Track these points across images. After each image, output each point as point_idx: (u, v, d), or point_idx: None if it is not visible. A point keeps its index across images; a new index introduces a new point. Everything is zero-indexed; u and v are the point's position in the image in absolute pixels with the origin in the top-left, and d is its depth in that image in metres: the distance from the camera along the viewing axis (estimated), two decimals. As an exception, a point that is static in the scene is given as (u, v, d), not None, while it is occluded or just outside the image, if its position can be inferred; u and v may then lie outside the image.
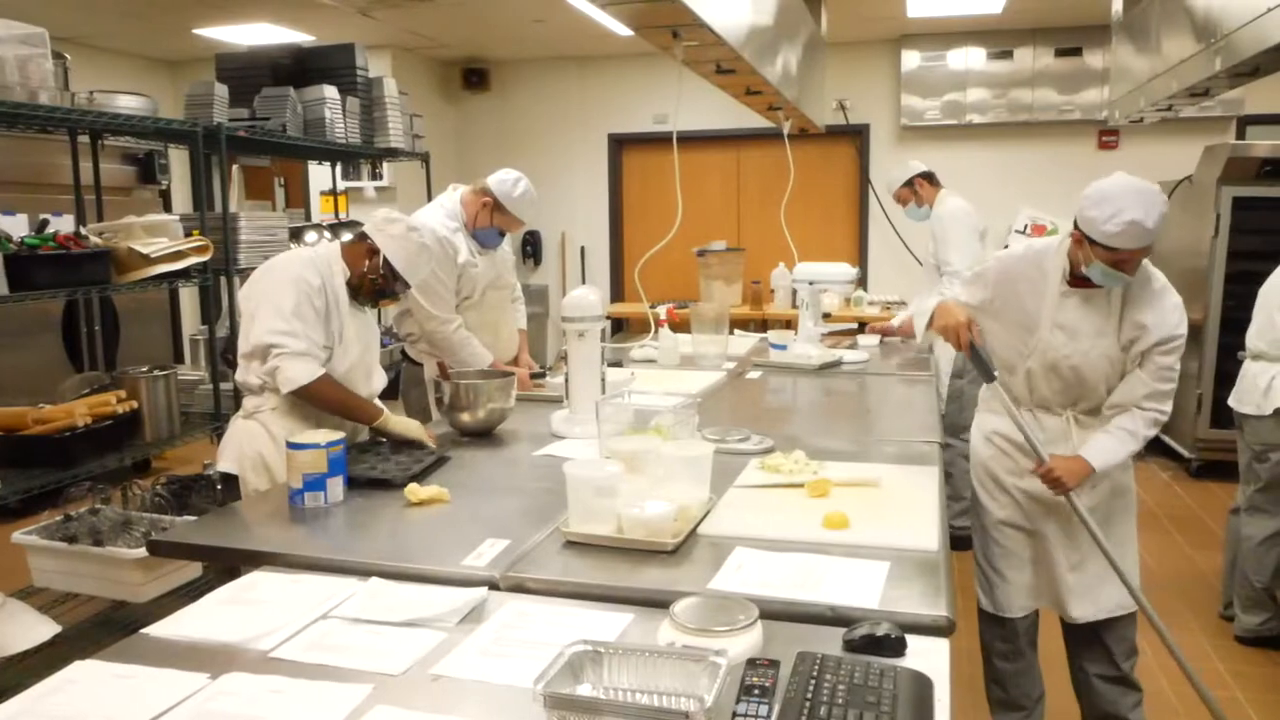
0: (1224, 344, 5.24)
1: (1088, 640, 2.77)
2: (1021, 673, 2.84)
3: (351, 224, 6.06)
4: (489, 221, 3.51)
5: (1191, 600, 4.07)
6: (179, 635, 1.58)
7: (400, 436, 2.65)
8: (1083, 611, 2.69)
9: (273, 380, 2.59)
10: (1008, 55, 6.92)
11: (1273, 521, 3.59)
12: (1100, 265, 2.40)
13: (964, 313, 2.66)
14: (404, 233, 2.76)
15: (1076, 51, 6.80)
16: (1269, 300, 3.62)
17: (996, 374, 2.65)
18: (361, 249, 2.75)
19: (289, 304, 2.57)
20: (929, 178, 4.75)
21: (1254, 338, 3.66)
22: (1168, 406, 2.56)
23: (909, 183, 4.73)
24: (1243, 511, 3.73)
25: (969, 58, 6.99)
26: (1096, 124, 6.82)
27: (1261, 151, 5.62)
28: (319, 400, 2.62)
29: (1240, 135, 6.74)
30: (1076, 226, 2.43)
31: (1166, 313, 2.51)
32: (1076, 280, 2.53)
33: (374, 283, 2.75)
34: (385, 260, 2.72)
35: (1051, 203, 6.90)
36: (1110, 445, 2.54)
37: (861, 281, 7.36)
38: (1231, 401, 3.72)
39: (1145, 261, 2.50)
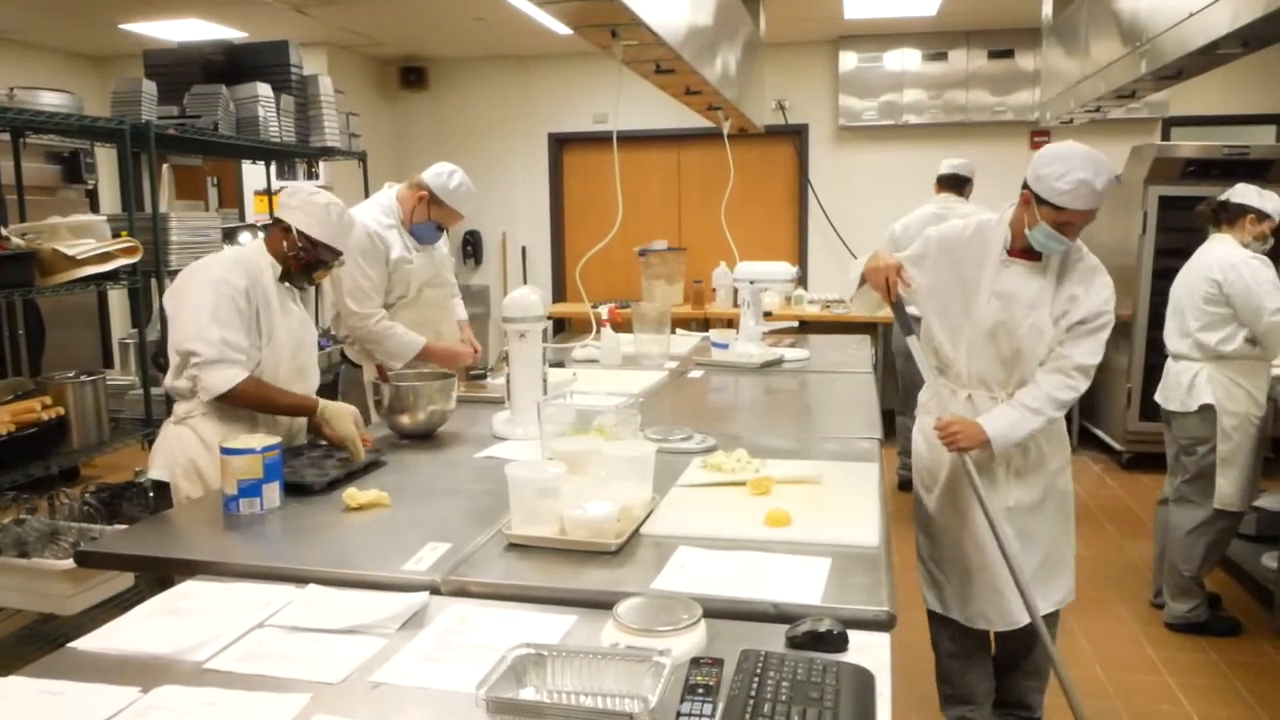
0: (1152, 339, 5.39)
1: (1025, 651, 2.84)
2: (968, 670, 2.88)
3: (286, 224, 5.95)
4: (426, 216, 3.48)
5: (1123, 589, 4.18)
6: (109, 648, 1.54)
7: (339, 430, 2.56)
8: (1025, 613, 2.64)
9: (196, 386, 2.55)
10: (942, 57, 7.04)
11: (1199, 511, 3.70)
12: (1045, 227, 2.48)
13: (894, 260, 2.67)
14: (307, 199, 2.69)
15: (1009, 54, 6.94)
16: (1180, 302, 3.74)
17: (917, 330, 2.70)
18: (277, 233, 2.70)
19: (206, 309, 2.52)
20: (950, 182, 5.43)
21: (1173, 338, 3.77)
22: (1081, 384, 2.59)
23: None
24: (1171, 502, 3.85)
25: (905, 59, 7.09)
26: (1028, 125, 6.96)
27: (1186, 152, 5.79)
28: (246, 404, 2.57)
29: (1165, 136, 6.93)
30: (1026, 186, 2.50)
31: (1096, 290, 2.60)
32: (1017, 251, 2.60)
33: (299, 260, 2.69)
34: (299, 232, 2.67)
35: (987, 202, 7.01)
36: (1010, 416, 2.56)
37: (802, 280, 7.43)
38: (1158, 398, 3.83)
39: (1081, 243, 2.59)
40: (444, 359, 3.54)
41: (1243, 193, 3.67)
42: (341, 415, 2.59)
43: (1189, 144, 5.91)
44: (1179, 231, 5.38)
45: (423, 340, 3.46)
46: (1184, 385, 3.64)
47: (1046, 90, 5.48)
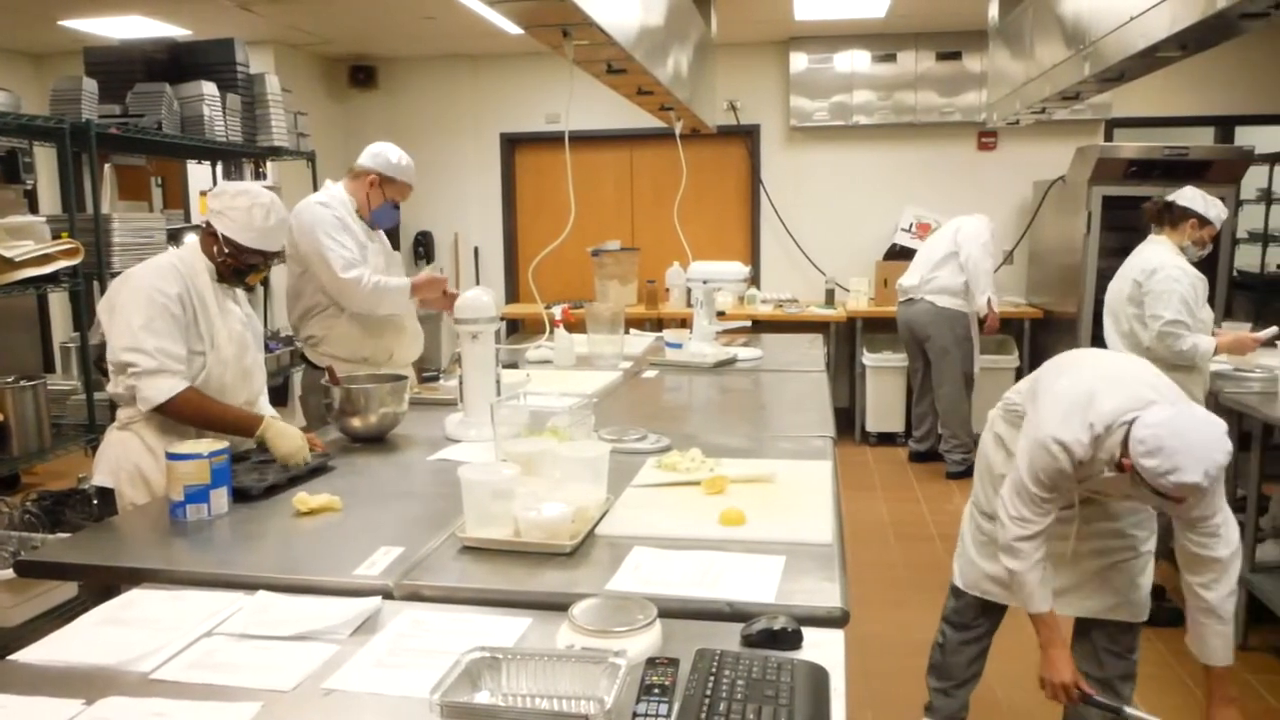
0: (1096, 336, 5.50)
1: (1083, 638, 2.74)
2: (961, 645, 2.90)
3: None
4: (382, 198, 3.47)
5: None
6: (51, 660, 1.50)
7: (280, 450, 2.50)
8: (1070, 608, 2.65)
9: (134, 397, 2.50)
10: (891, 59, 7.11)
11: (1144, 505, 3.77)
12: (1154, 497, 2.23)
13: (1070, 670, 2.44)
14: (229, 202, 2.62)
15: (956, 55, 7.03)
16: (1111, 303, 3.83)
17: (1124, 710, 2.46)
18: (207, 236, 2.64)
19: (139, 319, 2.47)
20: None
21: (1111, 337, 3.89)
22: (1227, 547, 2.33)
23: None
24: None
25: (854, 60, 7.15)
26: (976, 125, 7.06)
27: (1128, 153, 5.93)
28: (184, 417, 2.52)
29: (1108, 137, 7.07)
30: (1126, 453, 2.20)
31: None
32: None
33: (227, 264, 2.63)
34: (224, 237, 2.60)
35: (935, 202, 7.12)
36: (1227, 644, 2.36)
37: (754, 280, 7.47)
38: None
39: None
40: (428, 287, 3.55)
41: (1189, 196, 3.75)
42: (282, 438, 2.52)
43: (1131, 145, 6.04)
44: (1122, 230, 5.51)
45: (408, 280, 3.48)
46: None
47: (993, 92, 5.57)
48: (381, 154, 3.46)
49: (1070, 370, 2.53)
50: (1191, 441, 2.10)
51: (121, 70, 4.87)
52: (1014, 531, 2.43)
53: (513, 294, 8.00)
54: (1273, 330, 3.84)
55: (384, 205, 3.49)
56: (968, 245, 5.71)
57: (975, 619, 2.88)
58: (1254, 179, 6.38)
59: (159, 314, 2.48)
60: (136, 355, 2.45)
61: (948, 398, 5.94)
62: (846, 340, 7.17)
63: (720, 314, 4.38)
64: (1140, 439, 2.14)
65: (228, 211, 2.60)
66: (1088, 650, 2.72)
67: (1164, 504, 2.27)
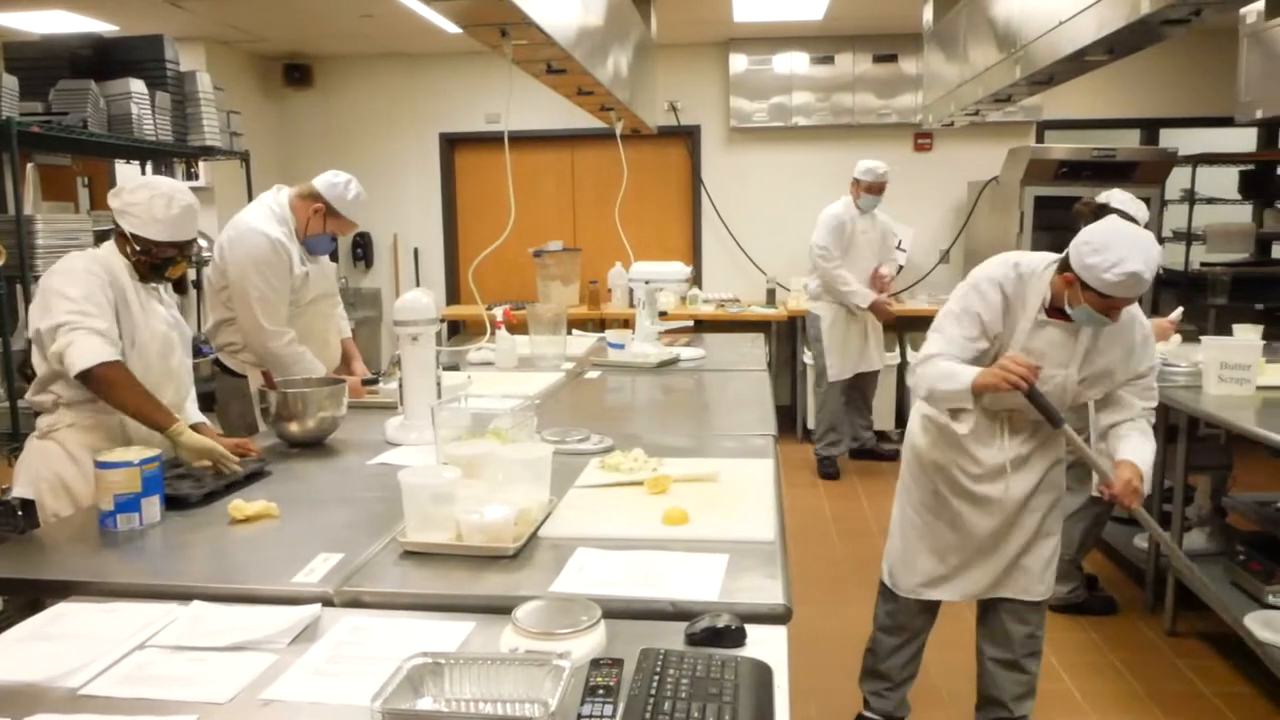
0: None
1: (990, 620, 2.84)
2: (897, 649, 2.93)
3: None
4: (322, 228, 3.35)
5: (1007, 574, 4.33)
6: (-27, 677, 1.45)
7: (193, 451, 2.42)
8: (990, 590, 2.76)
9: (61, 365, 2.38)
10: (829, 61, 7.19)
11: (1077, 498, 3.86)
12: (1089, 309, 2.40)
13: (1025, 363, 2.45)
14: (129, 199, 2.55)
15: (892, 58, 7.13)
16: None
17: (1063, 419, 2.50)
18: (119, 237, 2.59)
19: (79, 290, 2.42)
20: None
21: None
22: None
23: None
24: (1051, 489, 4.01)
25: (793, 62, 7.22)
26: (912, 127, 7.16)
27: (1059, 154, 6.07)
28: (111, 387, 2.41)
29: (1039, 138, 7.23)
30: (1069, 268, 2.40)
31: (1135, 349, 2.54)
32: (1053, 312, 2.53)
33: (143, 263, 2.57)
34: (133, 235, 2.54)
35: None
36: (1145, 446, 2.54)
37: (696, 280, 7.50)
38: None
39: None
40: None
41: (1121, 199, 3.84)
42: (191, 448, 2.43)
43: (1061, 146, 6.19)
44: (1054, 230, 5.63)
45: (324, 369, 3.36)
46: None
47: (928, 94, 5.66)
48: (337, 186, 3.32)
49: None
50: (1131, 238, 2.33)
51: (44, 66, 4.72)
52: (920, 359, 2.60)
53: (453, 295, 7.94)
54: (1178, 311, 4.00)
55: (322, 236, 3.39)
56: (812, 248, 5.88)
57: (910, 621, 2.91)
58: (1178, 180, 6.58)
59: (98, 288, 2.45)
60: (79, 316, 2.38)
61: (819, 397, 6.12)
62: (787, 339, 7.23)
63: (662, 314, 4.39)
64: (1085, 240, 2.35)
65: (129, 209, 2.54)
66: (996, 633, 2.82)
67: (1097, 323, 2.43)
